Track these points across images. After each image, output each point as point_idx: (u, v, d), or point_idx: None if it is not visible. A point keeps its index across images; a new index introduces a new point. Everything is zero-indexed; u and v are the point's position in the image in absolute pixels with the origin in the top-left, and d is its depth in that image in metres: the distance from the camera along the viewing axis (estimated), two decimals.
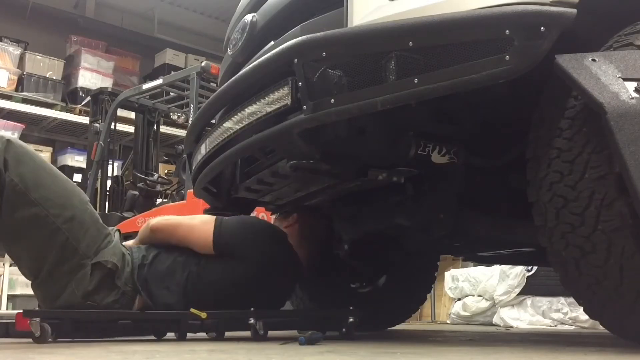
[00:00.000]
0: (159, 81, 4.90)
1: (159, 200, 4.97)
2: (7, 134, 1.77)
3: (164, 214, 3.97)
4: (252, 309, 1.78)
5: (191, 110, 4.36)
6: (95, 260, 1.80)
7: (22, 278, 6.01)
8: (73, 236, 1.77)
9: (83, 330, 1.74)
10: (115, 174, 5.43)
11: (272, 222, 2.30)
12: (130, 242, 2.06)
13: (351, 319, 1.89)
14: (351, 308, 1.93)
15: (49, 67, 6.57)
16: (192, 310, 1.78)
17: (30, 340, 1.58)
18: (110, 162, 5.17)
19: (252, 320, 1.75)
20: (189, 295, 1.88)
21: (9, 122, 6.27)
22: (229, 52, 2.03)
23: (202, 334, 1.94)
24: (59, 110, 6.54)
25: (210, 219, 1.97)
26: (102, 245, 1.84)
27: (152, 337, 1.84)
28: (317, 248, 2.17)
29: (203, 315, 1.76)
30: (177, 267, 1.92)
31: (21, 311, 1.59)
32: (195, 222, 1.98)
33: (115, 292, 1.83)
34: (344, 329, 1.89)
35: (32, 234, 1.74)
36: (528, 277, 4.38)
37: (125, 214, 4.77)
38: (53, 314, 1.68)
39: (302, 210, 2.18)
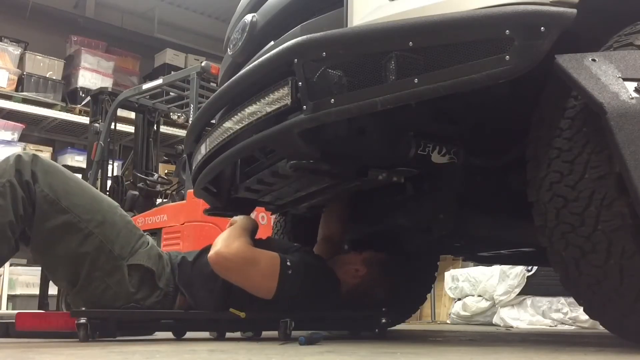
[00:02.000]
0: (159, 81, 4.89)
1: (159, 200, 4.97)
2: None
3: (164, 214, 3.98)
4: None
5: (191, 110, 4.36)
6: (131, 262, 1.84)
7: (22, 278, 6.02)
8: (106, 239, 1.81)
9: (126, 329, 1.80)
10: (115, 174, 5.43)
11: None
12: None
13: (384, 320, 1.99)
14: (384, 309, 2.01)
15: (49, 67, 6.57)
16: (231, 309, 1.82)
17: (30, 340, 1.58)
18: (110, 162, 5.16)
19: (286, 320, 1.76)
20: (229, 300, 1.88)
21: (9, 122, 6.26)
22: (229, 52, 2.03)
23: (202, 334, 1.94)
24: (59, 110, 6.53)
25: (273, 267, 1.83)
26: (137, 246, 1.87)
27: (152, 337, 1.85)
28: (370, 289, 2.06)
29: (242, 314, 1.81)
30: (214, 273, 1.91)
31: (21, 311, 1.60)
32: (258, 266, 1.83)
33: (157, 293, 1.87)
34: (377, 330, 1.99)
35: (66, 240, 1.78)
36: (528, 277, 4.38)
37: None
38: (98, 314, 1.73)
39: (380, 252, 2.09)
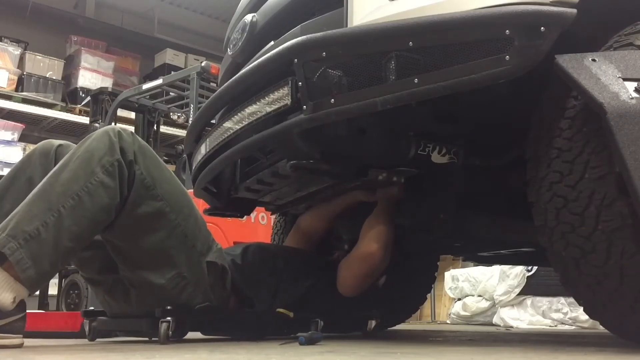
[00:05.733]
0: (159, 81, 4.89)
1: None
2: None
3: None
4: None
5: (191, 110, 4.35)
6: (209, 259, 1.76)
7: None
8: (191, 233, 1.71)
9: (199, 328, 1.78)
10: None
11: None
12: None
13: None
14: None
15: (49, 67, 6.56)
16: (279, 310, 1.83)
17: (30, 340, 1.58)
18: None
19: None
20: (276, 303, 1.90)
21: (9, 122, 6.26)
22: (229, 52, 2.03)
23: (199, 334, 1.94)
24: (59, 110, 6.53)
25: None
26: (211, 243, 1.80)
27: (151, 337, 1.84)
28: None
29: (290, 314, 1.83)
30: (266, 269, 1.96)
31: (34, 312, 1.59)
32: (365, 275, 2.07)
33: (225, 294, 1.83)
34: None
35: (155, 229, 1.64)
36: (528, 277, 4.38)
37: None
38: (178, 313, 1.64)
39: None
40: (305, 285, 1.99)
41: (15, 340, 1.41)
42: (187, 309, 1.69)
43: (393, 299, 2.78)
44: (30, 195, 1.48)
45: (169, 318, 1.58)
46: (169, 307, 1.60)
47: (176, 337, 1.65)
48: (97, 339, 1.79)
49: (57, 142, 1.77)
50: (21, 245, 1.39)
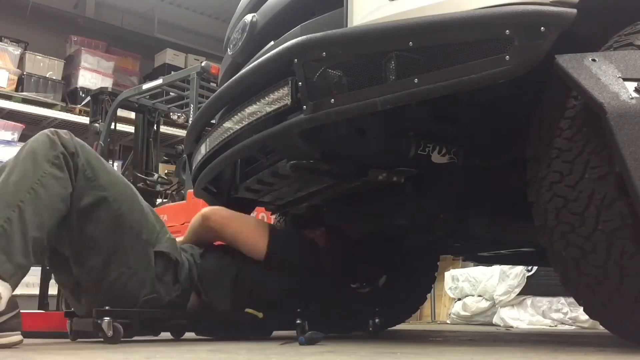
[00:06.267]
0: (159, 81, 4.89)
1: (159, 201, 4.97)
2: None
3: (164, 214, 3.98)
4: (298, 310, 1.87)
5: (191, 110, 4.35)
6: (158, 248, 1.77)
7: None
8: (136, 223, 1.73)
9: (150, 328, 1.76)
10: None
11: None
12: (179, 238, 2.04)
13: (377, 320, 2.09)
14: (377, 309, 2.12)
15: (49, 67, 6.56)
16: (247, 310, 1.82)
17: (30, 340, 1.58)
18: (111, 162, 5.16)
19: (299, 321, 1.81)
20: (238, 297, 1.89)
21: (9, 122, 6.26)
22: (229, 52, 2.03)
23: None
24: (59, 110, 6.53)
25: (263, 225, 2.01)
26: (161, 234, 1.80)
27: (151, 337, 1.84)
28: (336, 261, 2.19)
29: (260, 315, 1.82)
30: (224, 268, 1.94)
31: (21, 311, 1.58)
32: (249, 222, 2.01)
33: (177, 287, 1.82)
34: (370, 329, 2.09)
35: (99, 220, 1.67)
36: (528, 277, 4.38)
37: None
38: (123, 313, 1.65)
39: (327, 225, 2.24)
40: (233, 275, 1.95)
41: (15, 337, 1.42)
42: (131, 304, 1.70)
43: (393, 299, 2.78)
44: None
45: (106, 318, 1.58)
46: (107, 307, 1.61)
47: (128, 337, 1.66)
48: (78, 339, 1.79)
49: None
50: None
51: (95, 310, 1.59)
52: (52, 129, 1.67)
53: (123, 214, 1.70)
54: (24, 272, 1.49)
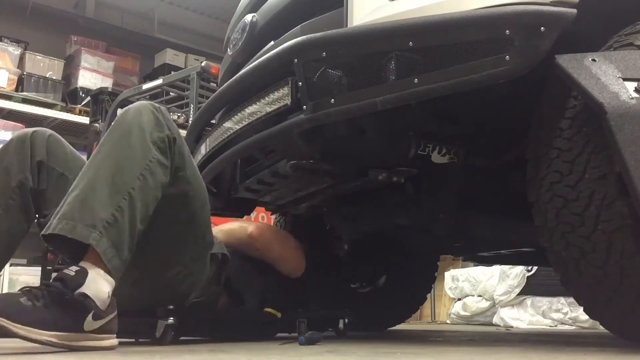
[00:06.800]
0: (159, 81, 4.89)
1: None
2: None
3: None
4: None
5: (191, 110, 4.35)
6: (213, 250, 1.70)
7: (22, 278, 6.00)
8: (204, 223, 1.62)
9: (198, 330, 1.74)
10: None
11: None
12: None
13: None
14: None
15: (49, 67, 6.56)
16: (267, 309, 1.83)
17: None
18: None
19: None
20: (264, 301, 1.91)
21: (9, 122, 6.25)
22: (229, 52, 2.04)
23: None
24: (59, 110, 6.52)
25: (300, 247, 2.10)
26: (213, 237, 1.73)
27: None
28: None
29: (278, 315, 1.83)
30: (253, 273, 1.98)
31: None
32: (290, 245, 2.09)
33: (219, 289, 1.80)
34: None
35: (176, 214, 1.53)
36: (528, 277, 4.38)
37: None
38: (174, 313, 1.56)
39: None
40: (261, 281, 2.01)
41: (115, 340, 1.32)
42: (178, 304, 1.62)
43: (393, 299, 2.79)
44: (85, 178, 1.34)
45: (171, 319, 1.51)
46: (171, 307, 1.53)
47: (176, 338, 1.63)
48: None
49: (31, 129, 1.66)
50: (102, 234, 1.28)
51: (159, 310, 1.51)
52: (150, 102, 1.49)
53: (196, 211, 1.58)
54: (125, 269, 1.34)
